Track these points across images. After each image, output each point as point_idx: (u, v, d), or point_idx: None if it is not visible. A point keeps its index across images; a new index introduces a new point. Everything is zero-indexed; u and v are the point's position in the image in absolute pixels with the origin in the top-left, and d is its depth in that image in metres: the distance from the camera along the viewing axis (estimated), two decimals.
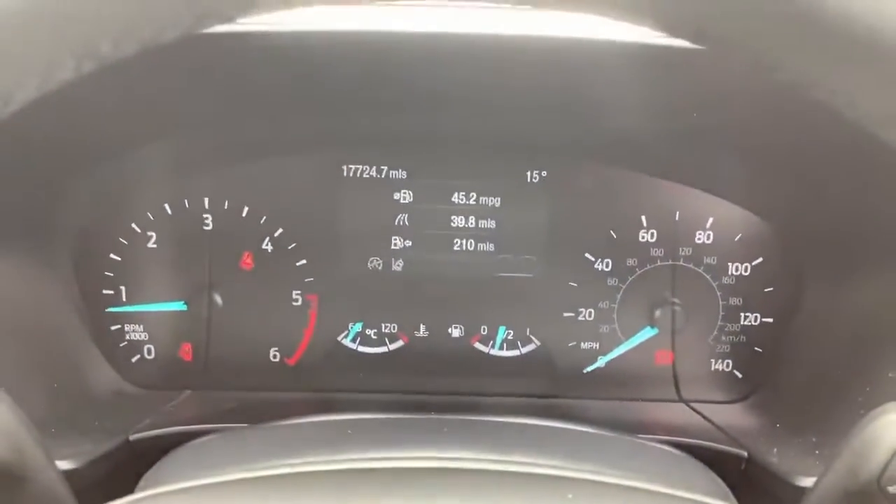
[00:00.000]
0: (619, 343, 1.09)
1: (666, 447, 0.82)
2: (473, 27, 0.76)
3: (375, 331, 1.09)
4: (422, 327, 1.09)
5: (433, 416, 0.83)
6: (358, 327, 1.08)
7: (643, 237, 1.06)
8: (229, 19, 0.40)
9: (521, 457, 0.66)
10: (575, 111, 0.90)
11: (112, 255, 1.03)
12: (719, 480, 0.74)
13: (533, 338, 1.09)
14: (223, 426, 0.87)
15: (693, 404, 1.07)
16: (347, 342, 1.09)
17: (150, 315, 1.05)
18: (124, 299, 1.04)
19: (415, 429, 0.78)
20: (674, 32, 0.36)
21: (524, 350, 1.10)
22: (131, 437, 0.86)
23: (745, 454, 0.87)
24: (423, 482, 0.51)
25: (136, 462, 0.80)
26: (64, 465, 0.77)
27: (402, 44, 0.80)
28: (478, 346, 1.10)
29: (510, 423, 0.83)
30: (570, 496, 0.51)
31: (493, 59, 0.78)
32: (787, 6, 0.34)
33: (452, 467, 0.54)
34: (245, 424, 0.88)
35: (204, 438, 0.80)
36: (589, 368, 1.09)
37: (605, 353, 1.09)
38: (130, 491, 0.73)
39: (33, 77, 0.37)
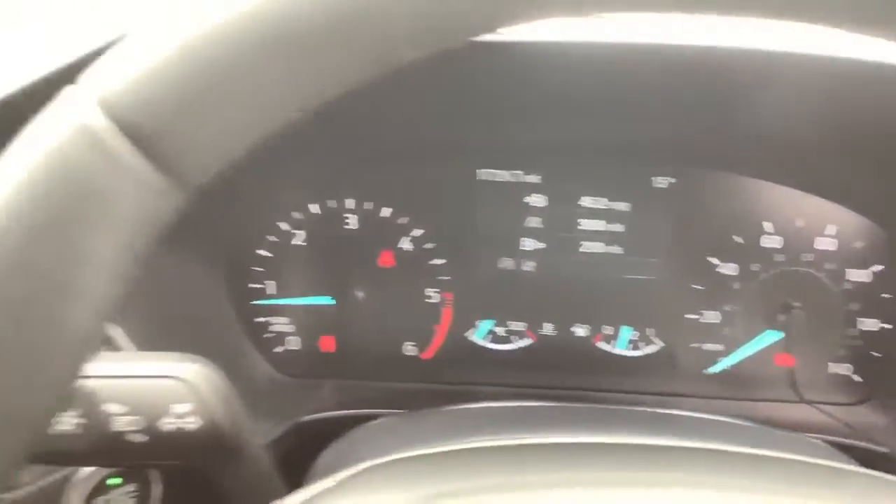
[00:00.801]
0: (740, 345, 1.12)
1: (807, 437, 0.85)
2: (636, 37, 0.81)
3: (504, 328, 1.14)
4: (548, 326, 1.14)
5: (602, 406, 0.88)
6: (488, 325, 1.14)
7: (766, 243, 1.09)
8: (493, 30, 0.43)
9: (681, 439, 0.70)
10: (721, 122, 0.94)
11: (261, 252, 1.11)
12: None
13: (655, 338, 1.13)
14: (383, 412, 0.93)
15: (816, 406, 1.10)
16: (477, 339, 1.14)
17: (294, 308, 1.12)
18: (273, 293, 1.12)
19: (590, 414, 0.83)
20: None
21: (646, 350, 1.14)
22: (302, 420, 0.92)
23: (887, 450, 0.90)
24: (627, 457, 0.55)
25: (302, 445, 0.86)
26: None
27: (556, 54, 0.85)
28: (601, 345, 1.14)
29: (659, 413, 0.87)
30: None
31: (653, 71, 0.83)
32: None
33: (652, 444, 0.58)
34: (401, 411, 0.93)
35: (379, 420, 0.86)
36: (711, 369, 1.13)
37: (726, 355, 1.12)
38: (300, 473, 0.80)
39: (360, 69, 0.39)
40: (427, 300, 1.12)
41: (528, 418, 0.81)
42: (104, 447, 0.67)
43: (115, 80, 0.33)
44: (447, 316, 1.13)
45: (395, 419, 0.88)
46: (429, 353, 1.14)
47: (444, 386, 1.14)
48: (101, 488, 0.86)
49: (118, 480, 0.87)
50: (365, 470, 0.58)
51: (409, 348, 1.14)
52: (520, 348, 1.15)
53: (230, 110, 0.36)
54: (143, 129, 0.32)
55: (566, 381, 1.14)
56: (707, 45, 0.76)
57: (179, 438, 0.70)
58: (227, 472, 0.77)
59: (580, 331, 1.14)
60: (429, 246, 1.11)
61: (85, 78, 0.33)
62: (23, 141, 0.34)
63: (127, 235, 0.35)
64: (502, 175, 1.10)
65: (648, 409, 0.87)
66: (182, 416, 0.71)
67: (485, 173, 1.10)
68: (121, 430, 0.71)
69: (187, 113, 0.34)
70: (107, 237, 0.34)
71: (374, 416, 0.90)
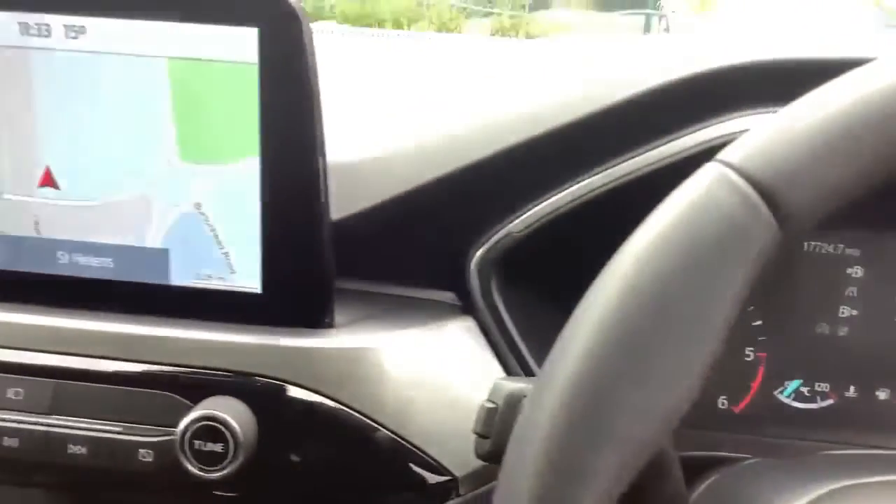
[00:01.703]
0: None
1: None
2: None
3: (809, 389, 1.23)
4: (851, 388, 1.22)
5: None
6: (796, 384, 1.23)
7: None
8: None
9: None
10: None
11: None
12: None
13: None
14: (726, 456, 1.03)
15: None
16: (783, 397, 1.23)
17: None
18: None
19: None
20: None
21: None
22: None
23: None
24: None
25: None
26: None
27: None
28: None
29: None
30: None
31: None
32: None
33: None
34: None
35: (750, 461, 0.97)
36: None
37: None
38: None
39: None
40: (745, 358, 1.22)
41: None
42: None
43: (751, 152, 0.46)
44: (760, 374, 1.22)
45: (769, 462, 0.98)
46: (739, 407, 1.23)
47: (750, 437, 1.22)
48: None
49: None
50: (833, 491, 0.68)
51: (723, 401, 1.23)
52: (821, 408, 1.23)
53: (835, 177, 0.47)
54: (772, 188, 0.45)
55: (865, 441, 1.22)
56: None
57: None
58: (656, 490, 0.87)
59: (882, 394, 1.22)
60: (750, 308, 1.21)
61: (724, 152, 0.47)
62: (679, 194, 0.47)
63: (751, 274, 0.47)
64: (826, 248, 1.20)
65: None
66: None
67: (810, 245, 1.20)
68: None
69: (804, 178, 0.46)
70: (737, 273, 0.45)
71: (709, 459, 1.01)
